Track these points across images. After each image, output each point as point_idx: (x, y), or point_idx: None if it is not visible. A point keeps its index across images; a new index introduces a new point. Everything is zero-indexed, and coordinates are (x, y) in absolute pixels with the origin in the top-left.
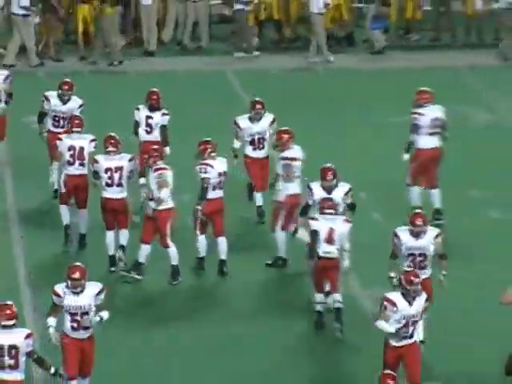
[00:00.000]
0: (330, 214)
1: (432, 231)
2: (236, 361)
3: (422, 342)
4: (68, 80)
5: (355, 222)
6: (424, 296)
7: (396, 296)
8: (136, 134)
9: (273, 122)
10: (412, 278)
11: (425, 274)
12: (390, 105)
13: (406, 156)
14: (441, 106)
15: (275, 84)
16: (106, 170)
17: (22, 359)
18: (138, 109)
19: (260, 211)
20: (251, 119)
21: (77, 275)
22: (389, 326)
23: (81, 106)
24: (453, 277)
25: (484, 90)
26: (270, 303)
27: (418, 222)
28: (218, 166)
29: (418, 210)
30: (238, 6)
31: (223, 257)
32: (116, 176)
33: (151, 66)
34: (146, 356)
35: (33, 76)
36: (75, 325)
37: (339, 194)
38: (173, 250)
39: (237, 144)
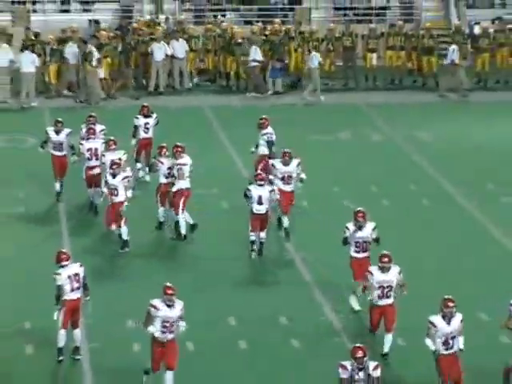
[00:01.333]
0: (260, 185)
1: (395, 268)
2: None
3: (461, 350)
4: (92, 114)
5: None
6: (459, 316)
7: (436, 318)
8: (134, 136)
9: (298, 164)
10: (449, 303)
11: (390, 300)
12: (313, 127)
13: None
14: (271, 129)
15: (236, 115)
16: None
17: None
18: (137, 118)
19: (287, 232)
20: (283, 163)
21: (171, 291)
22: (432, 345)
23: (102, 129)
24: None
25: (377, 119)
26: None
27: (385, 259)
28: (167, 162)
29: (384, 252)
30: (252, 64)
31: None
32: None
33: (154, 102)
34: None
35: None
36: (165, 330)
37: (368, 230)
38: (124, 228)
39: (270, 176)
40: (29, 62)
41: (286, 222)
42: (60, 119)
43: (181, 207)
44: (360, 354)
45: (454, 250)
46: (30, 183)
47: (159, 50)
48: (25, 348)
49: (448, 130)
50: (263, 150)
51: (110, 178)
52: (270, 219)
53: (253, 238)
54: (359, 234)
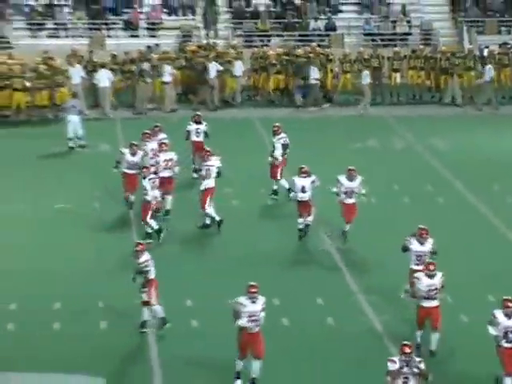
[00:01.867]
0: (304, 176)
1: (439, 273)
2: None
3: None
4: (157, 124)
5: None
6: None
7: (499, 312)
8: (187, 139)
9: (361, 183)
10: (509, 304)
11: (436, 302)
12: (347, 136)
13: (270, 159)
14: (285, 134)
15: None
16: (164, 161)
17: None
18: (190, 124)
19: (346, 235)
20: (348, 178)
21: (254, 289)
22: (493, 331)
23: (163, 138)
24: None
25: (400, 129)
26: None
27: (432, 267)
28: (214, 162)
29: (430, 260)
30: (313, 81)
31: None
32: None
33: (210, 114)
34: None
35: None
36: (251, 323)
37: (429, 244)
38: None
39: (335, 189)
40: (106, 79)
41: (347, 227)
42: (135, 142)
43: (207, 203)
44: (408, 350)
45: (461, 242)
46: (105, 183)
47: (212, 69)
48: (100, 324)
49: (461, 140)
50: (279, 152)
51: (142, 180)
52: (312, 206)
53: (300, 226)
54: (421, 248)
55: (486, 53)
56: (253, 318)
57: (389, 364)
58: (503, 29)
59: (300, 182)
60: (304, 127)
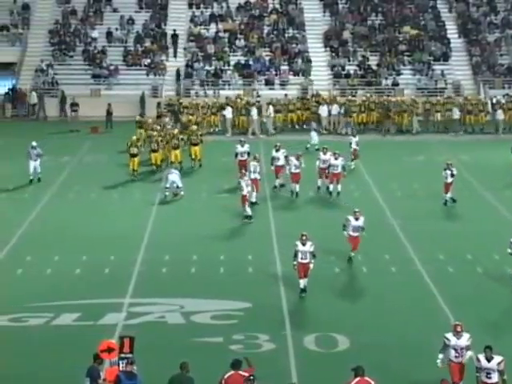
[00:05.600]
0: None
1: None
2: None
3: None
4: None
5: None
6: None
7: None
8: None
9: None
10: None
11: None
12: (406, 153)
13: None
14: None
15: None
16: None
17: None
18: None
19: None
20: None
21: (459, 329)
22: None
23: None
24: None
25: (441, 148)
26: None
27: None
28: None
29: None
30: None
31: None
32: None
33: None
34: None
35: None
36: (457, 355)
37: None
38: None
39: (509, 250)
40: (230, 113)
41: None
42: (243, 139)
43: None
44: (488, 351)
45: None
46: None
47: (324, 110)
48: (248, 269)
49: (477, 155)
50: (281, 162)
51: (240, 180)
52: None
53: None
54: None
55: (494, 100)
56: (458, 351)
57: (476, 361)
58: (506, 85)
59: (447, 173)
60: (377, 147)
